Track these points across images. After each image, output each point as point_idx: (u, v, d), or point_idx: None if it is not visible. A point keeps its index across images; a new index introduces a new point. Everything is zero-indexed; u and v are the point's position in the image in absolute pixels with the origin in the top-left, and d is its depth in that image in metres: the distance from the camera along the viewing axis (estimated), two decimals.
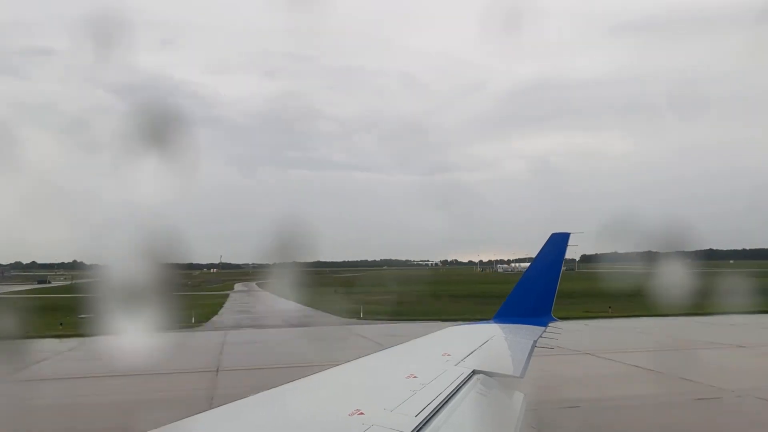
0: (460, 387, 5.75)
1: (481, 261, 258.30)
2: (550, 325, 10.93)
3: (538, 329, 10.41)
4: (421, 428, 4.34)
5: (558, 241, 11.82)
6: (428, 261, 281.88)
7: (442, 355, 7.42)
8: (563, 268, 12.00)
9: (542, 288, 11.63)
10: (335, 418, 4.42)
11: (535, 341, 9.46)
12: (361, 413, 4.29)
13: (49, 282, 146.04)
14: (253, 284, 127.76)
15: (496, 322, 11.12)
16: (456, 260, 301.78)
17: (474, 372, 6.47)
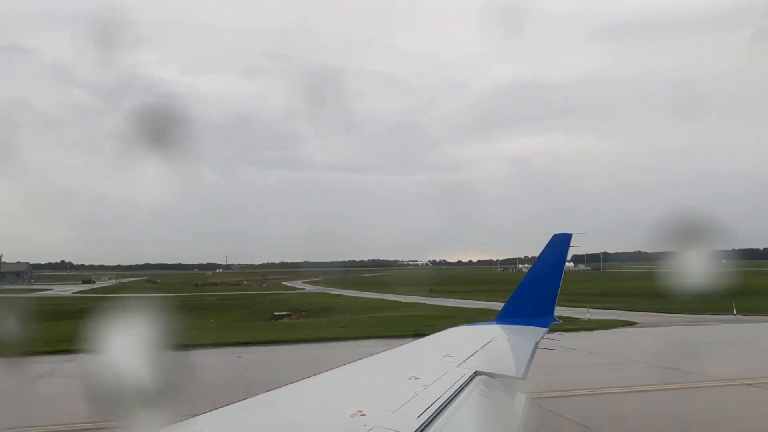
0: (462, 388, 5.73)
1: (500, 260, 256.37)
2: (550, 325, 10.91)
3: (541, 330, 10.38)
4: (422, 430, 4.32)
5: (560, 242, 11.79)
6: (417, 261, 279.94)
7: (444, 356, 7.40)
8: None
9: (544, 289, 11.59)
10: (336, 420, 4.40)
11: (537, 342, 9.44)
12: (363, 414, 4.28)
13: (94, 282, 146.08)
14: (299, 283, 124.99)
15: (498, 323, 11.10)
16: (444, 260, 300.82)
17: (476, 373, 6.45)
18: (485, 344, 8.74)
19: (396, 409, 4.66)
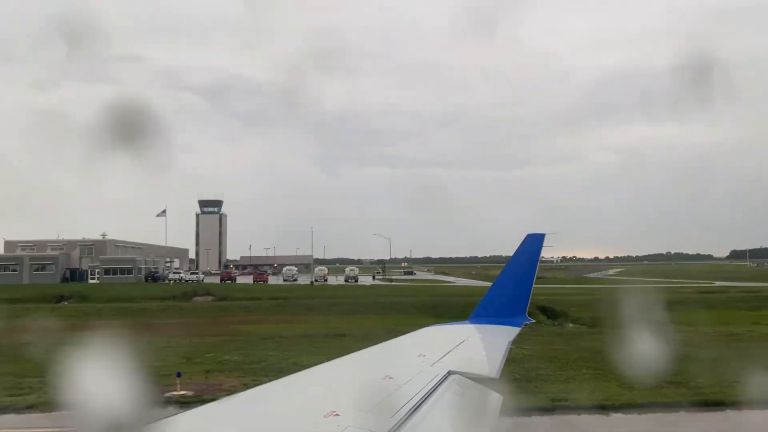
0: (436, 387, 5.76)
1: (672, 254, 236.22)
2: (524, 325, 11.02)
3: (514, 330, 10.48)
4: (396, 429, 4.33)
5: (533, 242, 11.92)
6: (543, 257, 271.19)
7: (418, 355, 7.42)
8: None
9: (517, 289, 11.70)
10: (310, 420, 4.39)
11: (510, 342, 9.54)
12: (337, 414, 4.27)
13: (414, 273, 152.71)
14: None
15: (471, 323, 11.18)
16: (575, 256, 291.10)
17: (450, 372, 6.48)
18: (459, 344, 8.79)
19: (370, 408, 4.66)
